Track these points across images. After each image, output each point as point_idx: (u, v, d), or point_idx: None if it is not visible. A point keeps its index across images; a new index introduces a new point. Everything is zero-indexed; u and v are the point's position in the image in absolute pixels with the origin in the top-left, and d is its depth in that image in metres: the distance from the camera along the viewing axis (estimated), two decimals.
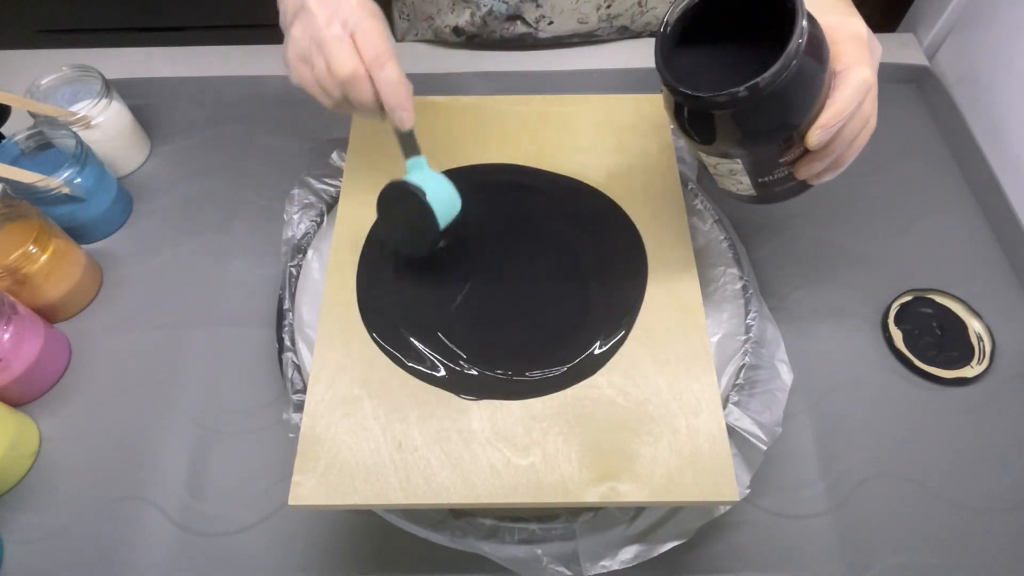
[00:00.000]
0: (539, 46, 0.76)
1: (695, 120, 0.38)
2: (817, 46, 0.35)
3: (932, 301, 0.60)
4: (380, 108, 0.43)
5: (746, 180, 0.41)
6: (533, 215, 0.52)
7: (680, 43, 0.38)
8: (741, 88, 0.33)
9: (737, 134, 0.37)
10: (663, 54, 0.37)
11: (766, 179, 0.41)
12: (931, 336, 0.58)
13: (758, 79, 0.33)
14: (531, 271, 0.49)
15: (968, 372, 0.56)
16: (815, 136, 0.36)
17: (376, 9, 0.43)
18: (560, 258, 0.50)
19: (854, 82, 0.36)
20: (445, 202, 0.45)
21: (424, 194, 0.44)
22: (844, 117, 0.36)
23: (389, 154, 0.54)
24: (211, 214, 0.67)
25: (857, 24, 0.38)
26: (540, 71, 0.74)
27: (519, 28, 0.73)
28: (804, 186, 0.42)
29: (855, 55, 0.36)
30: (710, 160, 0.41)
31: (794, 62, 0.33)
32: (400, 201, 0.45)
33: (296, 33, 0.42)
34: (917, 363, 0.56)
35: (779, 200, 0.44)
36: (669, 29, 0.37)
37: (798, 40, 0.33)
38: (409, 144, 0.46)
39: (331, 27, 0.41)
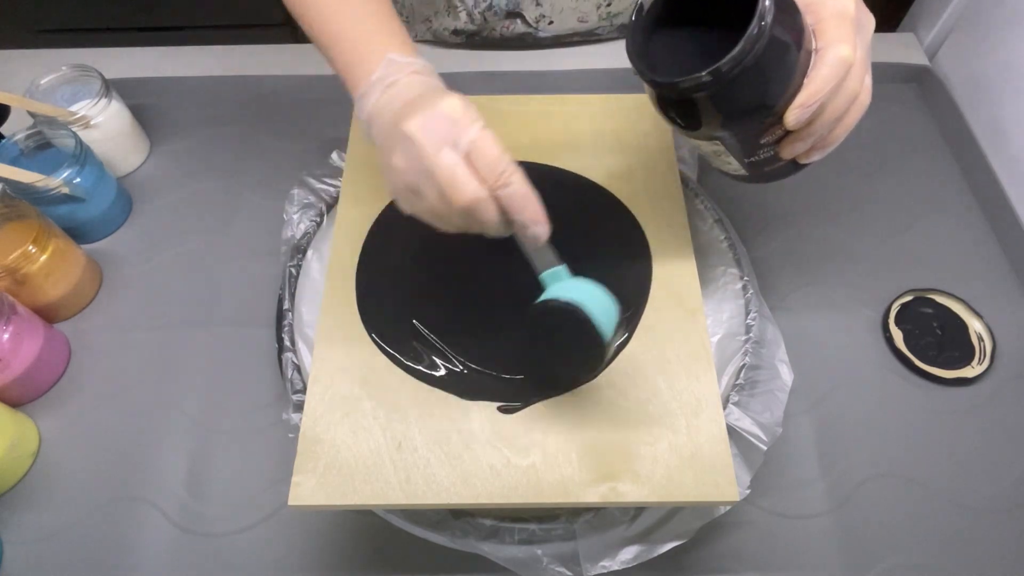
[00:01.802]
0: (539, 46, 0.76)
1: (672, 106, 0.38)
2: (789, 25, 0.34)
3: (933, 301, 0.60)
4: (507, 224, 0.38)
5: (734, 161, 0.41)
6: None
7: (659, 27, 0.37)
8: (704, 73, 0.33)
9: (714, 117, 0.36)
10: (636, 42, 0.37)
11: (753, 159, 0.41)
12: (932, 336, 0.58)
13: (720, 63, 0.33)
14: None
15: (969, 372, 0.56)
16: (792, 116, 0.35)
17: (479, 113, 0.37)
18: (564, 258, 0.49)
19: (831, 60, 0.35)
20: (605, 312, 0.38)
21: (583, 311, 0.37)
22: (821, 96, 0.35)
23: None
24: (211, 214, 0.67)
25: (842, 0, 0.36)
26: (540, 71, 0.74)
27: (519, 27, 0.73)
28: (796, 165, 0.41)
29: (836, 32, 0.35)
30: (695, 143, 0.41)
31: (757, 44, 0.33)
32: (556, 324, 0.39)
33: (399, 164, 0.37)
34: (918, 363, 0.56)
35: (774, 179, 0.43)
36: (644, 12, 0.37)
37: (759, 22, 0.32)
38: (545, 256, 0.40)
39: (441, 155, 0.35)
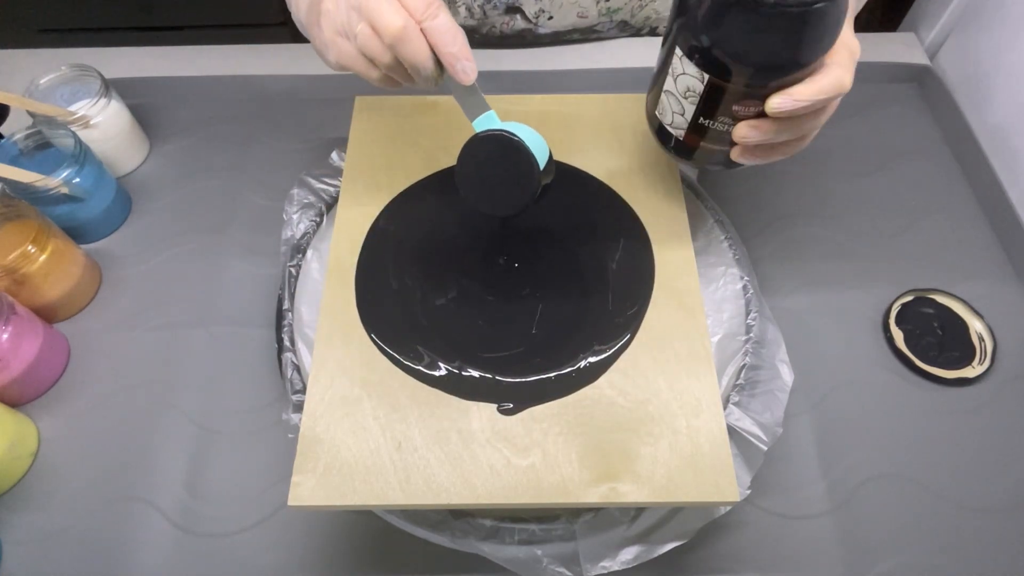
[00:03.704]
0: (539, 43, 0.76)
1: (703, 6, 0.37)
2: (838, 18, 0.35)
3: (933, 301, 0.60)
4: (437, 64, 0.39)
5: (689, 111, 0.40)
6: (538, 211, 0.51)
7: None
8: None
9: (730, 38, 0.36)
10: None
11: (707, 122, 0.40)
12: (932, 336, 0.58)
13: None
14: (535, 270, 0.49)
15: (969, 372, 0.56)
16: (779, 99, 0.36)
17: None
18: (566, 258, 0.49)
19: (833, 78, 0.36)
20: (540, 149, 0.42)
21: (523, 142, 0.40)
22: (811, 100, 0.36)
23: (389, 153, 0.54)
24: (210, 214, 0.66)
25: (854, 42, 0.38)
26: (540, 70, 0.74)
27: (519, 23, 0.73)
28: (728, 161, 0.42)
29: (843, 61, 0.37)
30: (677, 66, 0.40)
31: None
32: (493, 155, 0.42)
33: (330, 7, 0.40)
34: (918, 363, 0.56)
35: (696, 161, 0.44)
36: None
37: None
38: (474, 101, 0.42)
39: None
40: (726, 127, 0.40)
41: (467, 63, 0.39)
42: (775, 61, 0.36)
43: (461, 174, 0.43)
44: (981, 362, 0.57)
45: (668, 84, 0.41)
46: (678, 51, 0.39)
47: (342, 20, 0.39)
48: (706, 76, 0.38)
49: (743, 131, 0.39)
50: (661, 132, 0.44)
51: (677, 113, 0.42)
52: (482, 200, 0.44)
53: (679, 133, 0.42)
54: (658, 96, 0.43)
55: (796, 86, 0.36)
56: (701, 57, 0.38)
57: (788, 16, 0.34)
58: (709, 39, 0.37)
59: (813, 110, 0.37)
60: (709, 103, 0.39)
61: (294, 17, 0.48)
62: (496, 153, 0.42)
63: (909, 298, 0.60)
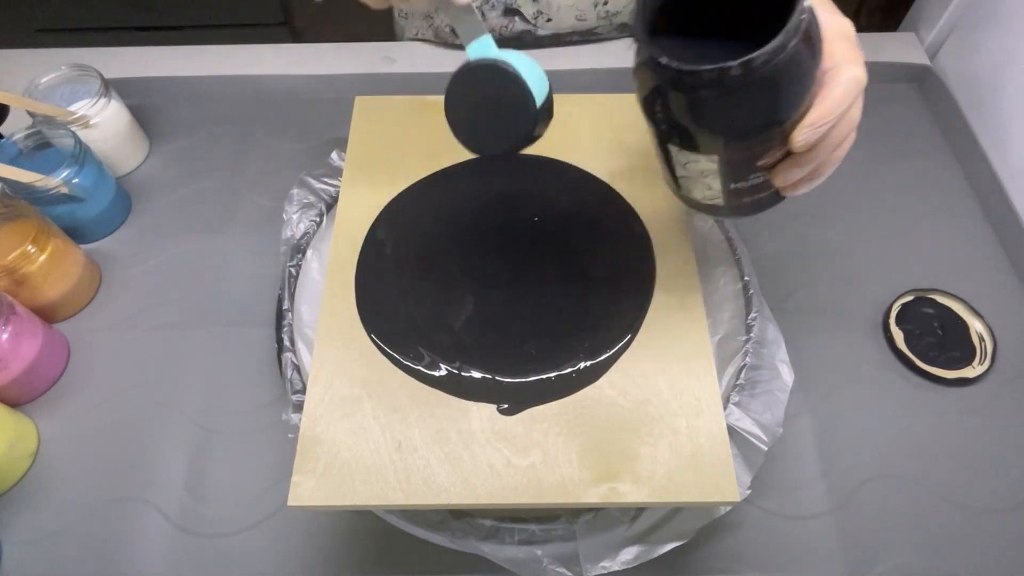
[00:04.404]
0: (539, 45, 0.76)
1: (673, 105, 0.34)
2: (814, 34, 0.32)
3: (933, 301, 0.60)
4: None
5: (716, 184, 0.37)
6: (539, 211, 0.52)
7: (659, 34, 0.33)
8: (734, 63, 0.29)
9: (719, 124, 0.33)
10: (645, 22, 0.33)
11: (739, 185, 0.37)
12: (932, 336, 0.58)
13: (754, 54, 0.29)
14: (536, 270, 0.49)
15: (970, 372, 0.56)
16: (801, 135, 0.33)
17: None
18: (566, 258, 0.49)
19: (845, 81, 0.32)
20: (537, 81, 0.38)
21: (519, 74, 0.36)
22: (833, 117, 0.33)
23: (389, 153, 0.54)
24: (210, 214, 0.66)
25: (845, 23, 0.35)
26: None
27: (518, 25, 0.73)
28: (777, 197, 0.38)
29: (846, 53, 0.33)
30: (680, 158, 0.36)
31: (794, 41, 0.29)
32: (484, 86, 0.38)
33: None
34: (918, 363, 0.56)
35: (747, 213, 0.40)
36: (645, 5, 0.33)
37: (800, 16, 0.29)
38: (469, 22, 0.38)
39: None
40: (762, 177, 0.37)
41: None
42: (769, 119, 0.33)
43: (450, 106, 0.40)
44: (981, 362, 0.56)
45: (680, 171, 0.38)
46: (671, 147, 0.37)
47: None
48: (714, 157, 0.35)
49: (783, 178, 0.36)
50: (700, 206, 0.41)
51: (705, 188, 0.38)
52: (471, 136, 0.41)
53: (718, 201, 0.39)
54: (676, 180, 0.40)
55: (810, 113, 0.33)
56: (696, 144, 0.35)
57: (758, 81, 0.30)
58: (693, 128, 0.34)
59: (842, 116, 0.33)
60: (731, 173, 0.36)
61: None
62: (489, 84, 0.38)
63: (909, 298, 0.60)
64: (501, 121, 0.39)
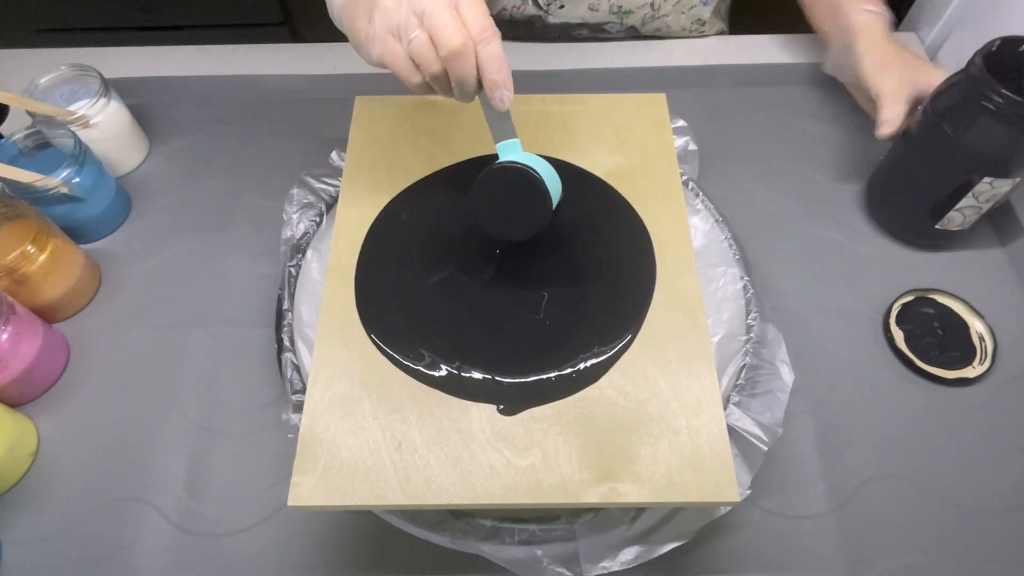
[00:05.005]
0: (548, 34, 0.75)
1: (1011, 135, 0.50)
2: None
3: (934, 301, 0.60)
4: (478, 85, 0.40)
5: (986, 206, 0.55)
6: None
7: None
8: None
9: None
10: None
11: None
12: (933, 336, 0.58)
13: None
14: (535, 270, 0.49)
15: (970, 372, 0.56)
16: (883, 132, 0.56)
17: None
18: (565, 257, 0.49)
19: (884, 116, 0.55)
20: (554, 184, 0.44)
21: (540, 175, 0.43)
22: (896, 118, 0.48)
23: (389, 153, 0.54)
24: (210, 214, 0.66)
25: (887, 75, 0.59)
26: (541, 70, 0.74)
27: (529, 8, 0.72)
28: None
29: (888, 95, 0.51)
30: (983, 190, 0.54)
31: None
32: (510, 186, 0.44)
33: (389, 4, 0.39)
34: (919, 363, 0.56)
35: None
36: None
37: None
38: (504, 126, 0.44)
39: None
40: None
41: (506, 92, 0.40)
42: None
43: (478, 198, 0.45)
44: (981, 362, 0.56)
45: (965, 203, 0.56)
46: (987, 180, 0.53)
47: (399, 21, 0.39)
48: (1018, 179, 0.52)
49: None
50: (949, 235, 0.60)
51: (972, 214, 0.57)
52: (495, 225, 0.46)
53: (971, 223, 0.58)
54: (943, 217, 0.58)
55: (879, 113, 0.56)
56: (1012, 169, 0.52)
57: None
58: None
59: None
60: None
61: (329, 4, 0.48)
62: (514, 184, 0.43)
63: (909, 298, 0.60)
64: (522, 214, 0.45)
